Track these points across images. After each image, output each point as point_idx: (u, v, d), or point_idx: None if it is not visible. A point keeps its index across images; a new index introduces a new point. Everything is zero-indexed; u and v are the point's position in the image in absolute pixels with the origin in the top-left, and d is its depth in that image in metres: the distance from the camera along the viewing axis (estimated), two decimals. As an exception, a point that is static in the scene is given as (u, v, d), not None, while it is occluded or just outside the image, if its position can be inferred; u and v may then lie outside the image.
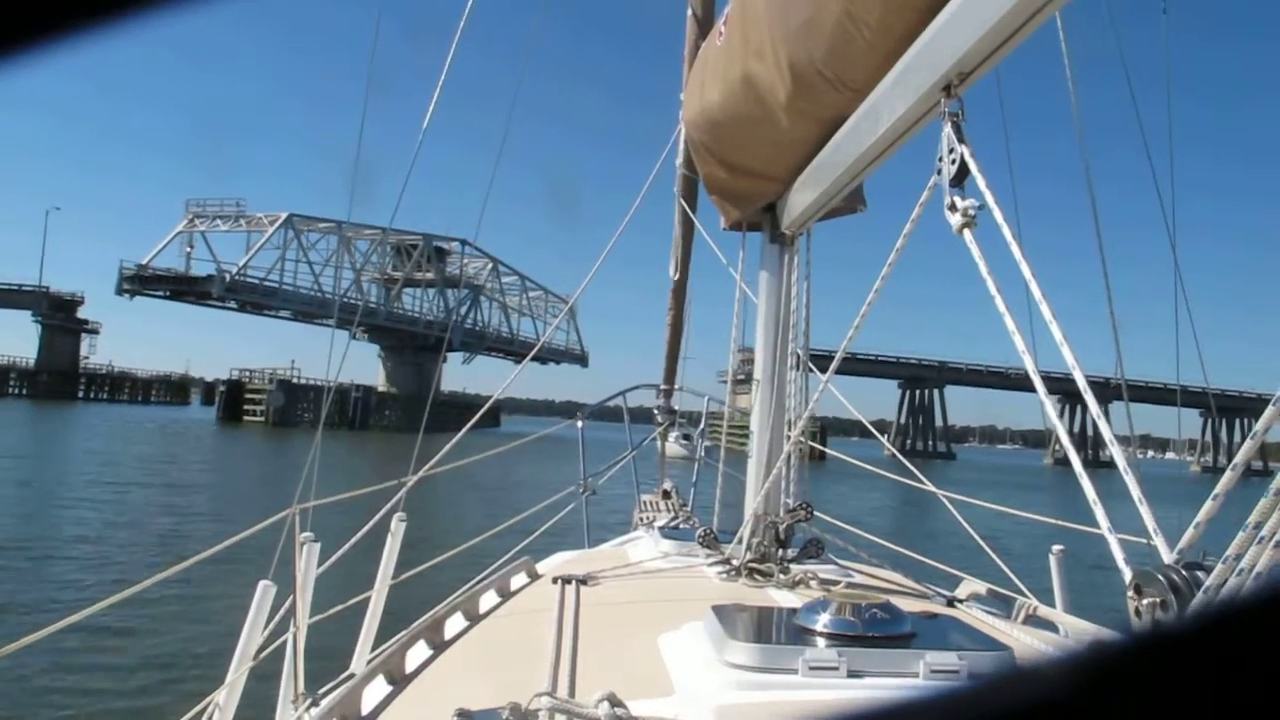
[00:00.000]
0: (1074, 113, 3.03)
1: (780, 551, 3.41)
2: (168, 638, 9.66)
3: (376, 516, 3.71)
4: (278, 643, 2.93)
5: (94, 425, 54.55)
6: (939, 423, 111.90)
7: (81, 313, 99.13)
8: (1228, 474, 1.56)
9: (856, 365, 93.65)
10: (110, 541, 15.67)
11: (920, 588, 3.28)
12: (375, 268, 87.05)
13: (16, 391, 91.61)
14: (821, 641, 1.97)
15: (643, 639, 2.33)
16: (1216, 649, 0.41)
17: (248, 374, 77.71)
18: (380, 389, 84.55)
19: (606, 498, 6.18)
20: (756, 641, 1.95)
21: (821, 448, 7.68)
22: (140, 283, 76.45)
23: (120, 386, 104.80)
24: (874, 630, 2.00)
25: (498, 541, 4.57)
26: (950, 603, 3.05)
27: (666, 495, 5.68)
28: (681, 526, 4.50)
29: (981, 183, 2.13)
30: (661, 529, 4.26)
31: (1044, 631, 2.77)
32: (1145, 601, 1.54)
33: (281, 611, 2.99)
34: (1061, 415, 2.18)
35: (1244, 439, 1.57)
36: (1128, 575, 1.63)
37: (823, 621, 2.03)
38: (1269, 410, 1.42)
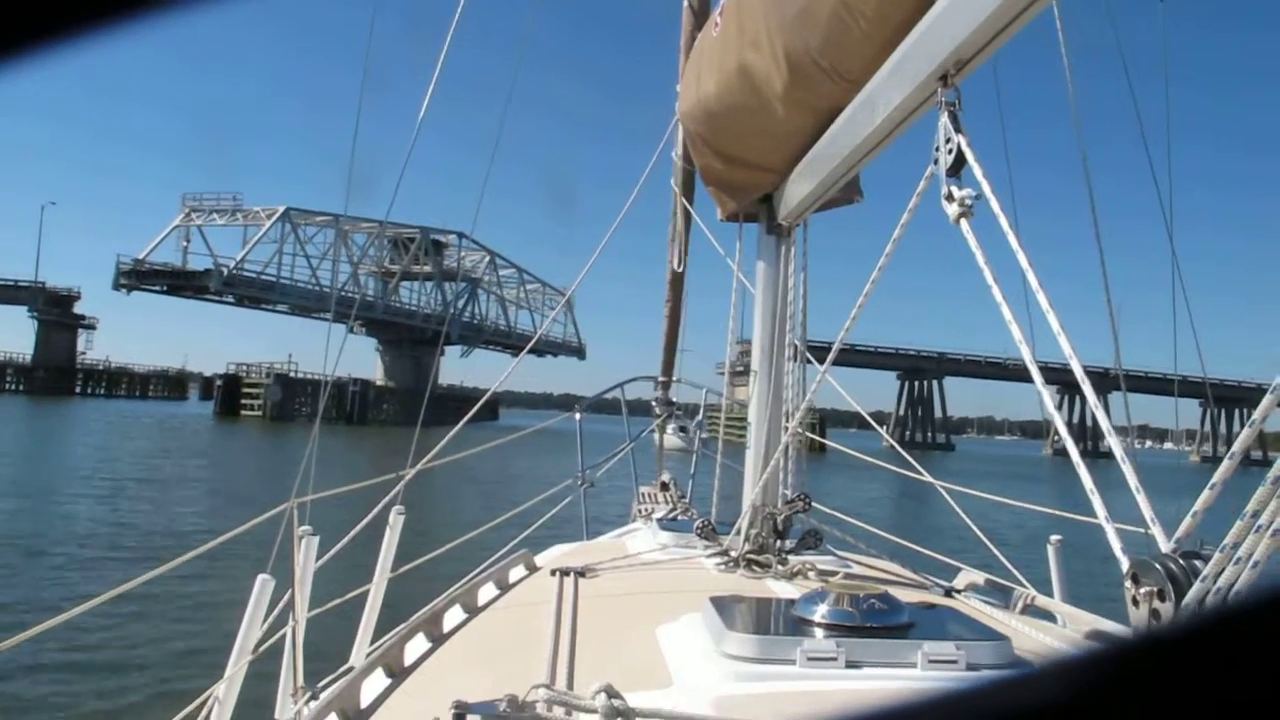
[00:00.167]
0: (1071, 102, 3.03)
1: (778, 543, 3.41)
2: (167, 632, 9.67)
3: (375, 510, 3.71)
4: (277, 636, 2.93)
5: (90, 421, 54.54)
6: (938, 414, 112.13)
7: (79, 308, 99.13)
8: (1225, 463, 1.56)
9: (855, 356, 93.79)
10: (106, 537, 15.67)
11: (918, 578, 3.28)
12: (372, 261, 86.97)
13: (13, 387, 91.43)
14: (819, 632, 1.97)
15: (641, 630, 2.33)
16: (1214, 652, 0.41)
17: (244, 368, 77.57)
18: (378, 383, 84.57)
19: (605, 490, 6.19)
20: (754, 632, 1.95)
21: (821, 439, 7.69)
22: (137, 277, 76.31)
23: (118, 382, 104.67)
24: (872, 621, 2.00)
25: (496, 534, 4.57)
26: (948, 593, 3.06)
27: (665, 487, 5.68)
28: (680, 518, 4.50)
29: (978, 172, 2.13)
30: (659, 521, 4.26)
31: (1042, 621, 2.77)
32: (1143, 590, 1.54)
33: (280, 605, 2.99)
34: (1060, 406, 2.18)
35: (1243, 429, 1.57)
36: (1125, 564, 1.63)
37: (821, 612, 2.03)
38: (1267, 398, 1.42)
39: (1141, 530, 1.72)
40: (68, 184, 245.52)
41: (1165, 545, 1.59)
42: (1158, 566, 1.52)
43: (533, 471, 20.31)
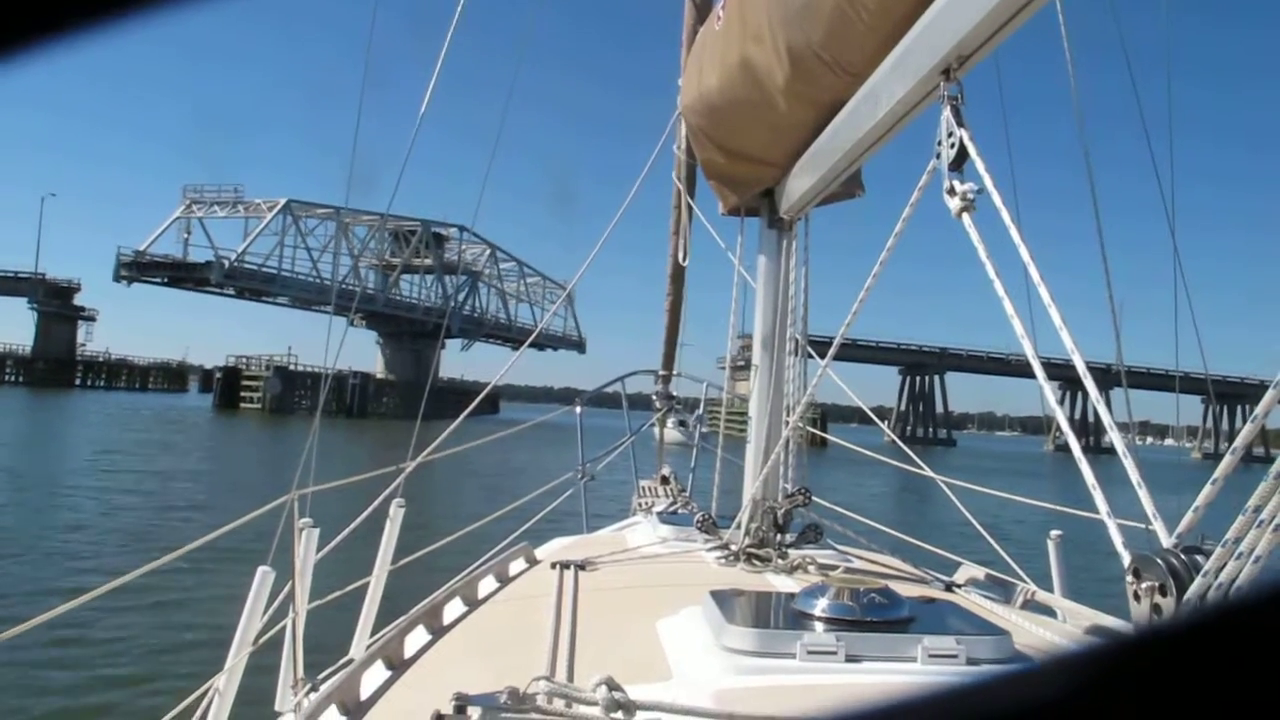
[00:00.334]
0: (1073, 97, 3.02)
1: (778, 537, 3.41)
2: (166, 623, 9.68)
3: (375, 502, 3.71)
4: (277, 628, 2.93)
5: (89, 412, 54.55)
6: (939, 409, 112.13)
7: (79, 300, 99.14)
8: (1227, 458, 1.56)
9: (857, 351, 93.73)
10: (104, 529, 15.65)
11: (918, 573, 3.28)
12: (373, 254, 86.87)
13: (13, 379, 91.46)
14: (820, 626, 1.97)
15: (641, 624, 2.33)
16: (1215, 647, 0.40)
17: (244, 360, 77.43)
18: (378, 376, 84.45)
19: (605, 483, 6.18)
20: (754, 626, 1.95)
21: (823, 434, 7.69)
22: (138, 269, 76.20)
23: (117, 374, 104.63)
24: (872, 615, 2.00)
25: (496, 527, 4.57)
26: (948, 588, 3.06)
27: (665, 481, 5.69)
28: (680, 512, 4.50)
29: (981, 166, 2.12)
30: (660, 514, 4.26)
31: (1042, 616, 2.77)
32: (1144, 585, 1.54)
33: (280, 597, 2.99)
34: (1061, 402, 2.18)
35: (1245, 425, 1.56)
36: (1126, 559, 1.63)
37: (821, 606, 2.03)
38: (1269, 394, 1.41)
39: (1143, 526, 1.72)
40: (68, 176, 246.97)
41: (1167, 540, 1.59)
42: (1159, 562, 1.52)
43: (533, 465, 20.30)
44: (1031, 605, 2.95)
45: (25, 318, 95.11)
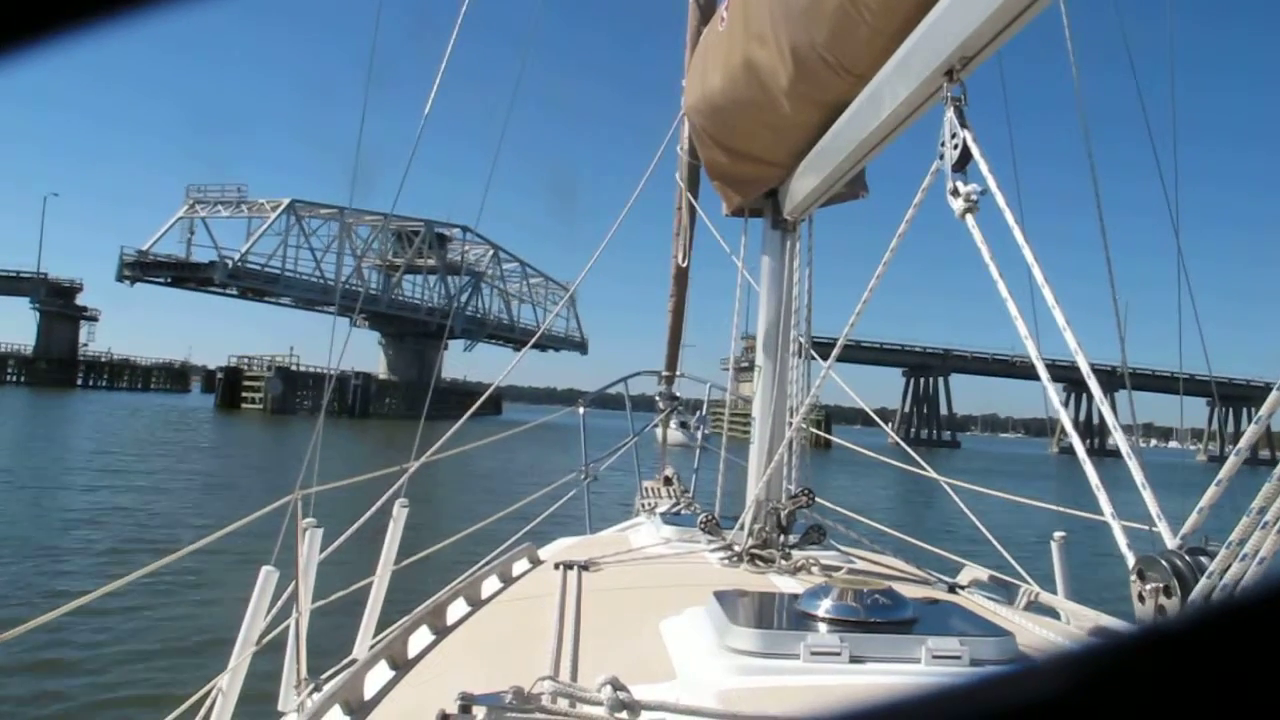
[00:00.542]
0: (1077, 98, 3.02)
1: (782, 537, 3.41)
2: (170, 623, 9.68)
3: (379, 502, 3.72)
4: (280, 628, 2.94)
5: (90, 413, 54.56)
6: (943, 411, 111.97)
7: (82, 300, 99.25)
8: (1231, 460, 1.56)
9: (860, 353, 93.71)
10: (106, 530, 15.64)
11: (922, 574, 3.28)
12: (376, 254, 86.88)
13: (15, 379, 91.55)
14: (823, 627, 1.98)
15: (645, 624, 2.33)
16: (1219, 647, 0.41)
17: (246, 361, 77.40)
18: (381, 376, 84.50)
19: (608, 484, 6.19)
20: (758, 627, 1.96)
21: (827, 435, 7.69)
22: (141, 269, 76.26)
23: (120, 374, 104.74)
24: (876, 616, 2.00)
25: (499, 527, 4.58)
26: (952, 589, 3.06)
27: (668, 481, 5.70)
28: (683, 512, 4.50)
29: (984, 168, 2.12)
30: (663, 515, 4.26)
31: (1046, 618, 2.77)
32: (1148, 586, 1.54)
33: (284, 597, 3.00)
34: (1066, 404, 2.18)
35: (1249, 427, 1.56)
36: (1131, 560, 1.63)
37: (824, 607, 2.03)
38: (1272, 396, 1.41)
39: (1147, 527, 1.72)
40: (71, 175, 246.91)
41: (1171, 541, 1.59)
42: (1163, 562, 1.52)
43: (536, 466, 20.34)
44: (1035, 607, 2.95)
45: (27, 317, 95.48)
